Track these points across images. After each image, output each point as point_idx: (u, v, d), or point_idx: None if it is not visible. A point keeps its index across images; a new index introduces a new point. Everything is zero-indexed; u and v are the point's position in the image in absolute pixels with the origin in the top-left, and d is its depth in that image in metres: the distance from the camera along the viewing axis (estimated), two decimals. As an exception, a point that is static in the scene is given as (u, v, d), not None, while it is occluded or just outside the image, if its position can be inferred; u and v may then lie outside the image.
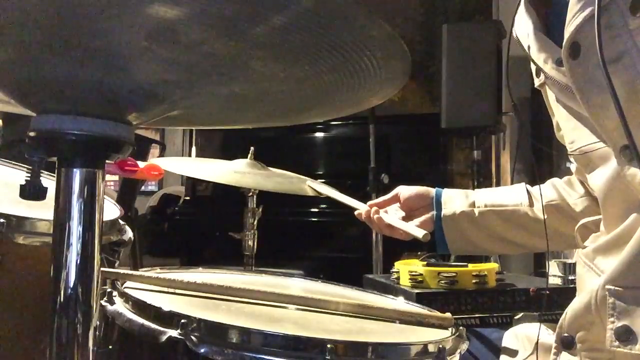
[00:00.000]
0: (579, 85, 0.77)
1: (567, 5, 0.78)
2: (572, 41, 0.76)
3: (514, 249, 1.22)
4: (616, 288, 0.77)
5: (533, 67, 0.93)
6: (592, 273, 0.86)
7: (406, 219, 1.19)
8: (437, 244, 1.20)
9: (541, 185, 1.16)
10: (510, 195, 1.18)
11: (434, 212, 1.18)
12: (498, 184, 3.54)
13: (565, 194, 1.13)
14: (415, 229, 1.12)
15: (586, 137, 0.86)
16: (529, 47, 0.90)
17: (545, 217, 1.11)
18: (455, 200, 1.18)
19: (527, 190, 1.17)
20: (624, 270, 0.76)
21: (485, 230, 1.17)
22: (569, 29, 0.76)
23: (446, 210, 1.17)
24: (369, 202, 1.23)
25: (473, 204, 1.17)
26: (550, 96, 0.95)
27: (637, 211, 0.79)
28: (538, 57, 0.87)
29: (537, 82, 0.94)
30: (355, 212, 1.23)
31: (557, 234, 1.12)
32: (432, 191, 1.20)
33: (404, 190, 1.22)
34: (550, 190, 1.15)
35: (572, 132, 0.91)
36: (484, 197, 1.18)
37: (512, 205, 1.16)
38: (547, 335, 0.95)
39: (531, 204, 1.14)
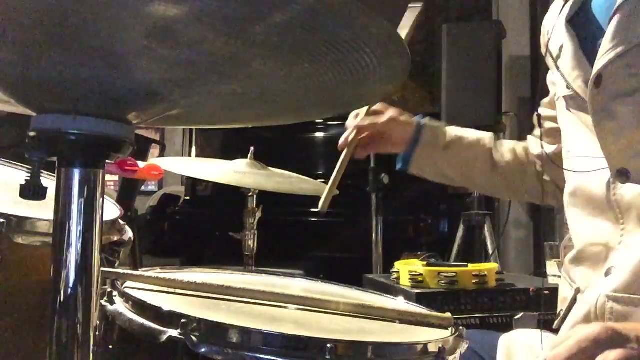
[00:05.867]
0: (596, 111, 0.89)
1: (594, 25, 0.93)
2: (599, 73, 0.88)
3: (471, 184, 1.37)
4: (616, 294, 0.83)
5: (561, 82, 1.01)
6: (566, 283, 0.97)
7: (380, 139, 1.26)
8: (399, 160, 1.29)
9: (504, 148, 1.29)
10: (477, 132, 1.31)
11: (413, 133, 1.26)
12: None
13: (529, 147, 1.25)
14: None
15: (578, 150, 0.97)
16: (558, 61, 1.00)
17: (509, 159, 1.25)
18: (433, 131, 1.27)
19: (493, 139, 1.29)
20: (629, 282, 0.83)
21: (450, 157, 1.26)
22: (599, 62, 0.88)
23: (424, 138, 1.25)
24: (357, 123, 1.26)
25: (445, 133, 1.27)
26: (560, 108, 1.04)
27: (589, 228, 0.93)
28: (570, 73, 0.97)
29: (565, 92, 1.01)
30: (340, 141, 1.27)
31: (515, 184, 1.26)
32: (414, 120, 1.29)
33: (395, 116, 1.27)
34: (511, 145, 1.29)
35: (569, 142, 1.01)
36: (456, 129, 1.30)
37: (477, 137, 1.28)
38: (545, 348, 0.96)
39: (495, 146, 1.27)
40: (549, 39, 1.04)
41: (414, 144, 1.25)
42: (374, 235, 2.70)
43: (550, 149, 1.12)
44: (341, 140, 1.26)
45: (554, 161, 1.07)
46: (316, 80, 0.52)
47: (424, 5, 1.35)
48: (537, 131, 1.20)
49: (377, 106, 1.26)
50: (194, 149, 5.23)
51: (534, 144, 1.22)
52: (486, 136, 1.29)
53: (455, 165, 1.28)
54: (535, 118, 1.19)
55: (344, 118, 1.32)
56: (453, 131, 1.29)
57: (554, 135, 1.11)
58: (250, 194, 1.68)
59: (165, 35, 0.44)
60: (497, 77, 2.82)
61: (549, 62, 1.06)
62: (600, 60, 0.87)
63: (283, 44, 0.46)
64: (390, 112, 1.26)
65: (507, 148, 1.27)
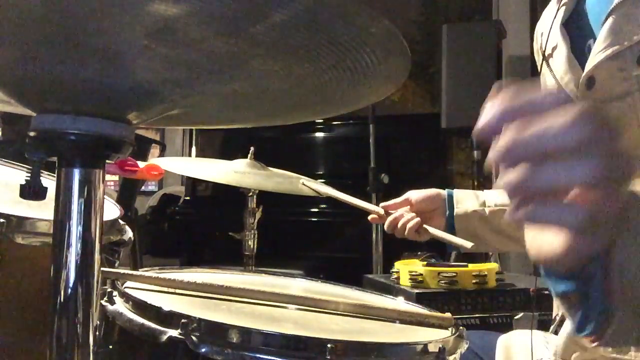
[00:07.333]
0: None
1: (587, 27, 0.92)
2: (590, 75, 0.87)
3: (521, 247, 1.26)
4: None
5: (552, 83, 1.00)
6: None
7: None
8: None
9: None
10: None
11: (447, 212, 1.21)
12: (498, 184, 3.54)
13: None
14: (461, 240, 1.14)
15: None
16: (550, 63, 0.98)
17: None
18: (466, 200, 1.23)
19: None
20: None
21: (494, 228, 1.21)
22: (589, 63, 0.87)
23: (459, 209, 1.21)
24: (382, 204, 1.23)
25: (484, 204, 1.22)
26: None
27: None
28: (563, 76, 0.96)
29: None
30: (370, 217, 1.24)
31: None
32: (443, 192, 1.24)
33: (415, 194, 1.24)
34: None
35: None
36: (494, 197, 1.23)
37: None
38: (544, 350, 0.95)
39: None
40: (543, 43, 1.03)
41: (451, 214, 1.21)
42: (374, 235, 2.70)
43: None
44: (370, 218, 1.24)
45: None
46: (316, 80, 0.52)
47: None
48: None
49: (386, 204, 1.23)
50: (194, 149, 5.23)
51: None
52: None
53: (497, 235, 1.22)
54: None
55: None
56: (491, 199, 1.22)
57: None
58: (250, 194, 1.68)
59: (165, 34, 0.44)
60: (497, 77, 2.82)
61: (543, 66, 1.05)
62: (592, 60, 0.86)
63: (283, 44, 0.46)
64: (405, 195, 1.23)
65: None
